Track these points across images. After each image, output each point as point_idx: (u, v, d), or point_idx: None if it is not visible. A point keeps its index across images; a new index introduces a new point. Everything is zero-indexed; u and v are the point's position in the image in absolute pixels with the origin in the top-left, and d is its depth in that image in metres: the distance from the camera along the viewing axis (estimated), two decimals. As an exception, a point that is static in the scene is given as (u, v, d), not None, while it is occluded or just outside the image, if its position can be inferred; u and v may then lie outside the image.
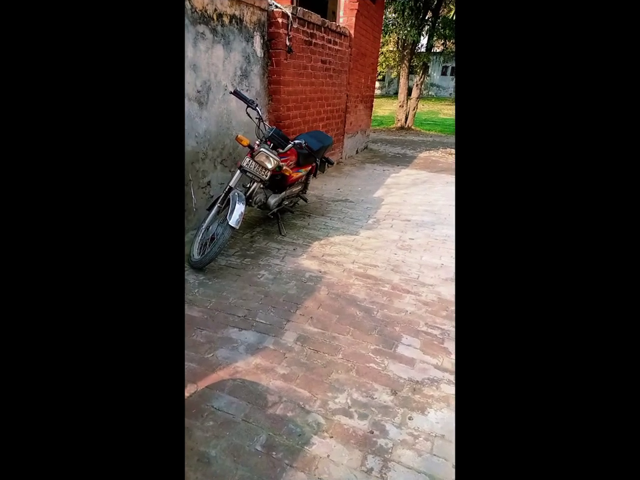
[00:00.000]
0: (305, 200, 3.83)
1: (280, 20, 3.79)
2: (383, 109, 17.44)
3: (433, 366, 1.81)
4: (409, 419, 1.51)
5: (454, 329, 2.10)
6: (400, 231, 3.51)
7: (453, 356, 1.88)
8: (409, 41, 9.65)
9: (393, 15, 10.08)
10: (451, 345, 1.96)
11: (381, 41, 10.54)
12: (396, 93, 11.26)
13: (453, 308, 2.31)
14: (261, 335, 1.95)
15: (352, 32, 5.55)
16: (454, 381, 1.71)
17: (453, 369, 1.79)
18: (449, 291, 2.51)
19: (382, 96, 26.92)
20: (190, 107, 2.94)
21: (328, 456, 1.35)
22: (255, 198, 2.95)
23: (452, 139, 9.75)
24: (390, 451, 1.38)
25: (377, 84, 29.24)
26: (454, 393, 1.65)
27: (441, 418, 1.52)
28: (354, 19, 5.51)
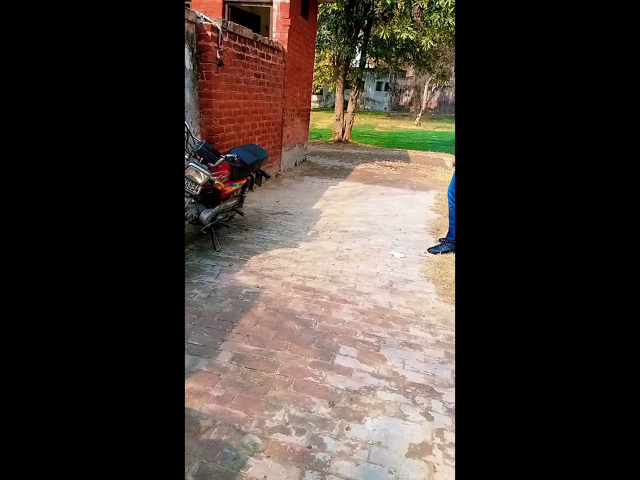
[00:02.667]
0: (242, 214, 3.77)
1: (209, 33, 3.74)
2: (322, 122, 17.83)
3: (369, 374, 1.84)
4: (347, 430, 1.52)
5: (389, 336, 2.16)
6: (338, 242, 3.58)
7: (388, 363, 1.93)
8: (343, 57, 10.00)
9: (327, 31, 10.40)
10: (386, 352, 2.01)
11: (317, 56, 10.82)
12: (334, 107, 11.56)
13: (388, 315, 2.39)
14: (193, 358, 1.86)
15: (285, 47, 5.63)
16: (389, 387, 1.76)
17: (388, 375, 1.84)
18: (384, 299, 2.59)
19: (320, 109, 27.53)
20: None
21: (265, 477, 1.31)
22: (186, 213, 2.85)
23: (387, 152, 10.19)
24: (328, 463, 1.37)
25: (315, 97, 29.88)
26: (389, 399, 1.69)
27: (377, 425, 1.55)
28: (287, 34, 5.60)
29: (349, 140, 11.20)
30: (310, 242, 3.53)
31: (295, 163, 7.13)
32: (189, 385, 1.69)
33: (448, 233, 3.58)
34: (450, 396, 1.73)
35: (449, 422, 1.58)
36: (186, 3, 5.66)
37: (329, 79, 12.34)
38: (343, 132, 11.05)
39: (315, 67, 9.91)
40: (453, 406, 1.66)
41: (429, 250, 3.50)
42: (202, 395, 1.63)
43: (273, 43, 5.25)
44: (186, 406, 1.57)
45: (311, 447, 1.43)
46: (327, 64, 12.08)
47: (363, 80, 11.03)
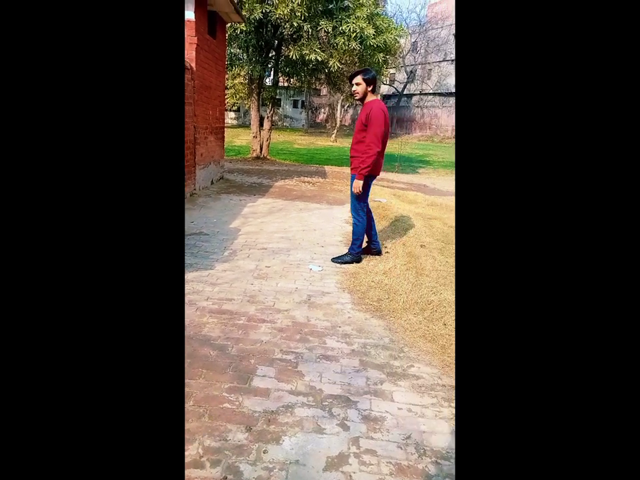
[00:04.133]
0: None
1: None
2: (240, 138, 17.70)
3: (288, 392, 1.84)
4: (264, 453, 1.50)
5: (306, 351, 2.19)
6: (257, 260, 3.55)
7: (306, 378, 1.95)
8: (255, 75, 10.10)
9: (238, 50, 10.45)
10: (303, 368, 2.04)
11: (231, 74, 10.78)
12: (251, 124, 11.56)
13: (306, 329, 2.42)
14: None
15: (193, 65, 5.54)
16: (307, 403, 1.78)
17: (306, 391, 1.86)
18: (302, 314, 2.62)
19: (239, 126, 27.35)
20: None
21: (176, 519, 1.24)
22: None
23: (305, 168, 10.44)
24: (244, 492, 1.34)
25: (233, 114, 29.64)
26: (307, 414, 1.70)
27: (295, 443, 1.55)
28: (194, 52, 5.52)
29: (268, 157, 11.26)
30: (227, 262, 3.46)
31: (212, 181, 6.97)
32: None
33: (351, 244, 3.69)
34: (365, 403, 1.79)
35: (364, 429, 1.64)
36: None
37: (244, 96, 12.35)
38: (261, 149, 11.09)
39: (229, 85, 9.87)
40: (367, 412, 1.73)
41: (333, 260, 3.64)
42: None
43: (180, 61, 5.12)
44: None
45: (226, 478, 1.39)
46: (242, 81, 12.10)
47: (278, 98, 11.22)
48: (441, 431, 1.65)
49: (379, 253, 3.76)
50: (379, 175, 3.62)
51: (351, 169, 3.52)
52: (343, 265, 3.55)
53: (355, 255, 3.61)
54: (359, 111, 3.49)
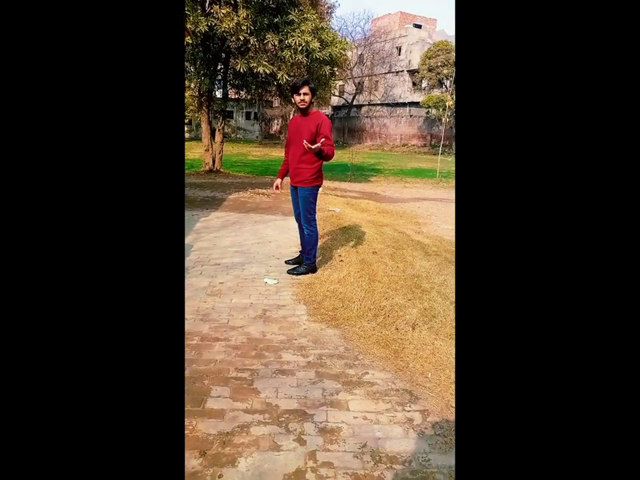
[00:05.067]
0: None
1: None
2: (193, 152, 17.30)
3: (243, 411, 1.81)
4: (219, 478, 1.46)
5: (262, 367, 2.17)
6: (210, 277, 3.48)
7: (262, 395, 1.94)
8: (204, 88, 9.97)
9: (186, 63, 10.27)
10: (259, 384, 2.02)
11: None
12: (203, 137, 11.36)
13: (262, 345, 2.40)
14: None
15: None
16: (263, 420, 1.76)
17: (262, 408, 1.84)
18: (257, 329, 2.60)
19: (192, 139, 26.71)
20: None
21: None
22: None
23: (260, 180, 10.40)
24: (199, 521, 1.30)
25: (186, 127, 28.98)
26: (263, 432, 1.69)
27: (251, 464, 1.53)
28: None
29: (221, 169, 11.10)
30: (179, 281, 3.36)
31: (162, 197, 6.76)
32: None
33: (305, 254, 3.69)
34: (321, 415, 1.80)
35: (321, 442, 1.65)
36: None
37: (194, 109, 12.12)
38: (214, 162, 10.91)
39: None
40: (323, 424, 1.74)
41: (288, 272, 3.65)
42: None
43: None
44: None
45: (179, 507, 1.34)
46: (192, 94, 11.88)
47: (230, 110, 11.13)
48: (395, 436, 1.70)
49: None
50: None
51: (296, 182, 3.53)
52: (299, 277, 3.57)
53: (310, 265, 3.64)
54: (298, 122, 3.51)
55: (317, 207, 3.66)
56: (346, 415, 1.82)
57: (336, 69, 9.85)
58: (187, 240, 4.60)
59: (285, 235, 5.04)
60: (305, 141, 3.18)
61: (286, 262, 3.89)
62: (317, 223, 3.72)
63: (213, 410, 1.81)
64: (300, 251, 3.84)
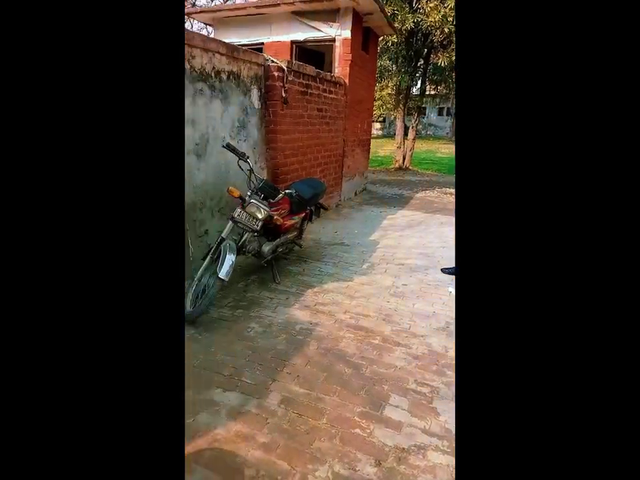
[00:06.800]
0: (300, 246, 3.85)
1: (276, 74, 3.97)
2: (384, 149, 17.87)
3: (420, 430, 1.74)
4: (393, 493, 1.44)
5: (443, 386, 2.04)
6: (394, 276, 3.50)
7: (441, 417, 1.82)
8: (403, 86, 10.04)
9: (388, 62, 10.55)
10: (439, 405, 1.90)
11: (379, 85, 10.97)
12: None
13: (444, 361, 2.26)
14: (244, 397, 1.90)
15: (347, 81, 5.79)
16: (441, 448, 1.65)
17: (441, 433, 1.73)
18: (439, 342, 2.46)
19: (384, 136, 27.65)
20: (188, 160, 3.03)
21: (306, 538, 1.28)
22: (248, 247, 2.98)
23: (448, 179, 9.91)
24: (372, 531, 1.31)
25: (379, 125, 30.12)
26: (441, 461, 1.58)
27: (427, 491, 1.45)
28: (348, 68, 5.77)
29: (410, 167, 11.08)
30: (365, 275, 3.49)
31: (355, 192, 7.18)
32: (237, 426, 1.71)
33: None
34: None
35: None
36: (258, 47, 6.09)
37: (390, 107, 12.41)
38: (404, 159, 10.97)
39: (376, 97, 10.06)
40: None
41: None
42: (249, 440, 1.65)
43: (334, 78, 5.42)
44: (233, 450, 1.59)
45: (354, 509, 1.37)
46: (390, 92, 12.19)
47: (424, 106, 10.94)
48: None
49: None
50: None
51: None
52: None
53: None
54: None
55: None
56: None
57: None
58: (374, 236, 4.75)
59: (475, 243, 4.65)
60: None
61: None
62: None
63: (391, 420, 1.79)
64: None
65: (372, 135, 8.15)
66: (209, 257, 2.72)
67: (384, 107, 12.20)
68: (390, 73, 10.43)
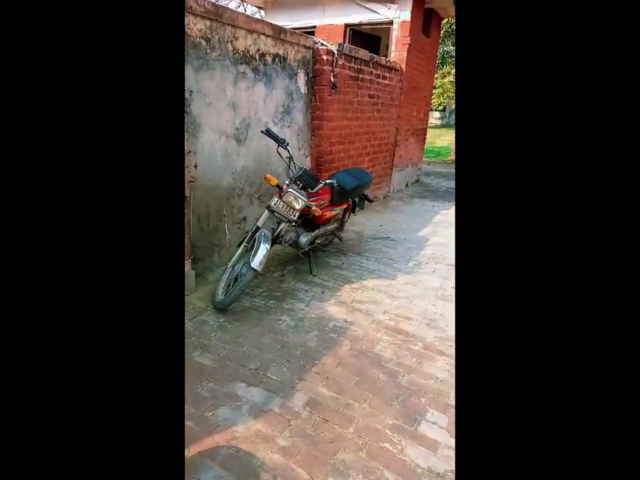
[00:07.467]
0: (340, 238, 3.68)
1: (325, 57, 3.80)
2: (442, 139, 17.05)
3: (460, 454, 1.52)
4: (422, 527, 1.25)
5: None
6: (442, 278, 3.22)
7: (486, 443, 1.58)
8: (468, 72, 9.42)
9: (452, 47, 9.95)
10: (485, 428, 1.66)
11: (441, 72, 10.41)
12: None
13: (493, 378, 2.00)
14: (268, 394, 1.79)
15: (403, 66, 5.47)
16: None
17: (485, 461, 1.50)
18: (490, 355, 2.19)
19: (442, 126, 26.45)
20: (227, 144, 2.97)
21: None
22: (284, 237, 2.87)
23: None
24: None
25: (438, 114, 28.90)
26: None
27: (462, 530, 1.24)
28: (405, 53, 5.44)
29: (469, 159, 10.44)
30: (410, 274, 3.26)
31: (407, 184, 6.85)
32: (258, 425, 1.61)
33: None
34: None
35: None
36: (310, 30, 5.93)
37: (451, 95, 11.75)
38: (463, 151, 10.35)
39: (436, 84, 9.54)
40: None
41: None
42: (268, 441, 1.53)
43: (390, 63, 5.13)
44: (250, 451, 1.49)
45: (375, 539, 1.21)
46: (452, 80, 11.55)
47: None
48: None
49: None
50: None
51: None
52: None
53: None
54: None
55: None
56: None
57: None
58: (424, 232, 4.46)
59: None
60: None
61: None
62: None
63: (426, 437, 1.60)
64: None
65: (429, 125, 7.71)
66: (242, 245, 2.65)
67: (444, 96, 11.59)
68: (453, 59, 9.82)
